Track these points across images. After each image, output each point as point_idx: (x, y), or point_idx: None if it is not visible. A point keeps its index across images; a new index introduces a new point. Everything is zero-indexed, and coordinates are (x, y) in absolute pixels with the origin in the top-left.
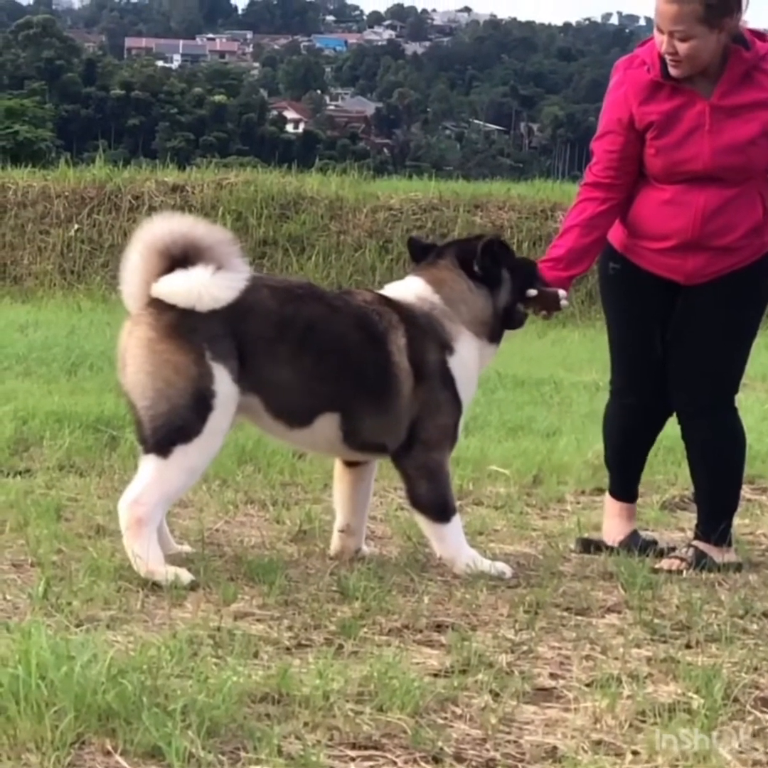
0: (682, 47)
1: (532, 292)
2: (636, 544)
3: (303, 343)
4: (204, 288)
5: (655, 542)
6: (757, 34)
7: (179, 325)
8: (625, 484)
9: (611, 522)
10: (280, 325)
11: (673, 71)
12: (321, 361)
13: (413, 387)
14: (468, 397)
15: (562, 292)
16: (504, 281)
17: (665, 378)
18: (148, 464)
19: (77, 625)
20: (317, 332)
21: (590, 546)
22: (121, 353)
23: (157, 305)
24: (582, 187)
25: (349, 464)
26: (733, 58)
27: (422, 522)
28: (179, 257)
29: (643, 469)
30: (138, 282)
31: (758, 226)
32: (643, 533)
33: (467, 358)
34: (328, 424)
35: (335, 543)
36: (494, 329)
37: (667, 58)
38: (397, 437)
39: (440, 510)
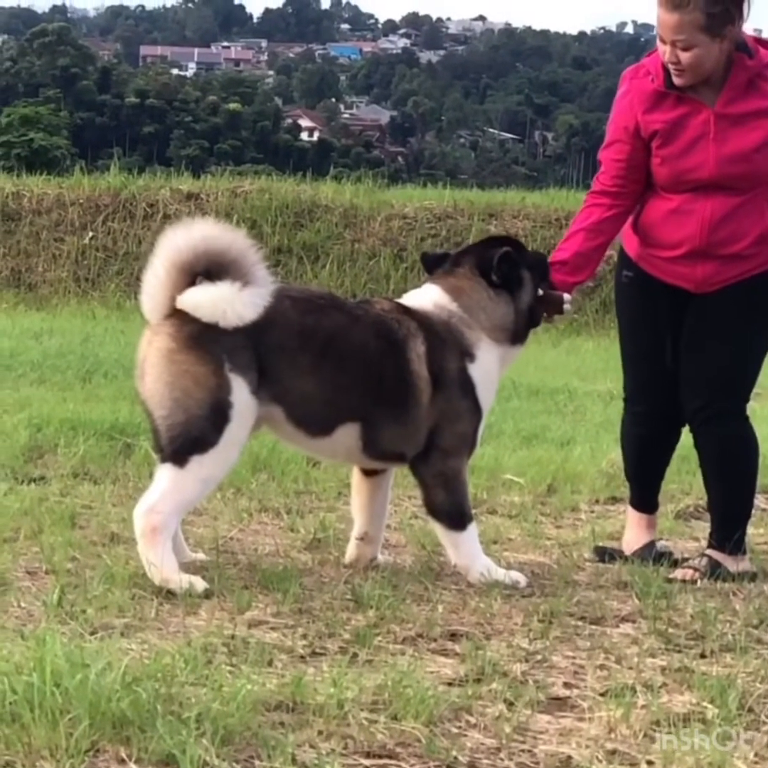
0: (684, 56)
1: (539, 292)
2: (650, 555)
3: (324, 354)
4: (229, 306)
5: (670, 554)
6: (761, 42)
7: (200, 336)
8: (642, 495)
9: (630, 532)
10: (302, 336)
11: (676, 80)
12: (342, 371)
13: (432, 395)
14: (488, 403)
15: (566, 296)
16: (525, 283)
17: (677, 387)
18: (164, 473)
19: (92, 633)
20: (338, 342)
21: (605, 555)
22: (140, 362)
23: (179, 316)
24: (589, 194)
25: (367, 473)
26: (737, 66)
27: (438, 529)
28: (203, 271)
29: (661, 480)
30: (160, 295)
31: (767, 233)
32: (660, 544)
33: (488, 365)
34: (348, 434)
35: (352, 550)
36: (518, 331)
37: (671, 67)
38: (417, 445)
39: (456, 518)
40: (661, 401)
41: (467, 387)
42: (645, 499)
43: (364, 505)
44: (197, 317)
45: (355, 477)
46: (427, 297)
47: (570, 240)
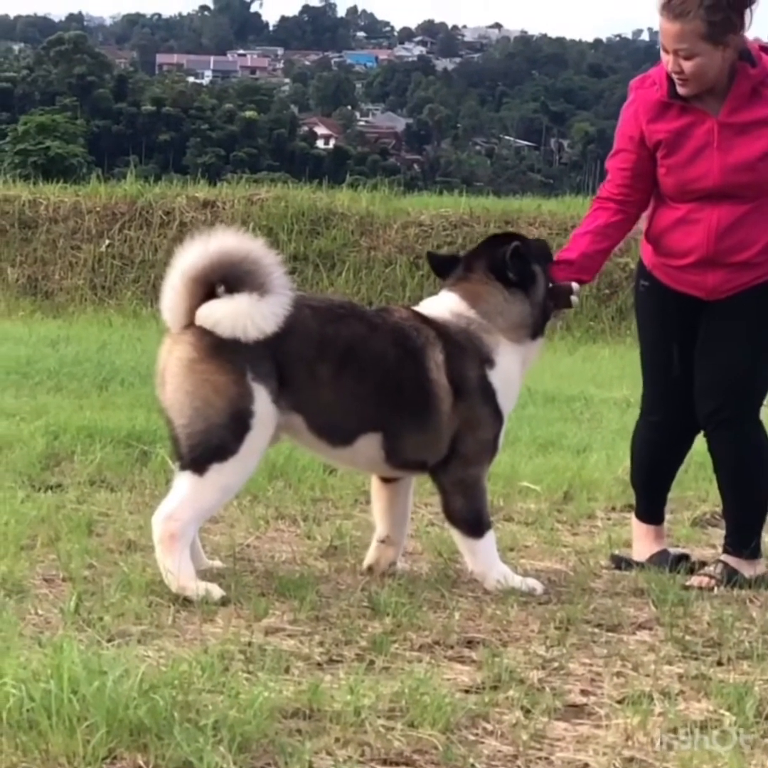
0: (687, 65)
1: (549, 283)
2: (665, 561)
3: (344, 363)
4: (249, 320)
5: (686, 557)
6: (766, 50)
7: (222, 346)
8: (649, 506)
9: (638, 544)
10: (322, 346)
11: (680, 90)
12: (362, 382)
13: (453, 403)
14: (510, 406)
15: (575, 286)
16: (537, 276)
17: (692, 397)
18: (183, 481)
19: (109, 640)
20: (357, 352)
21: (622, 562)
22: (161, 371)
23: (198, 325)
24: (595, 199)
25: (386, 480)
26: (740, 75)
27: (456, 536)
28: (220, 281)
29: (668, 490)
30: (179, 306)
31: None
32: (673, 549)
33: (508, 369)
34: (370, 444)
35: (372, 553)
36: (536, 326)
37: (674, 76)
38: (438, 453)
39: (474, 525)
40: (676, 411)
41: (488, 394)
42: (652, 509)
43: (385, 511)
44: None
45: (374, 484)
46: (445, 305)
47: (577, 241)
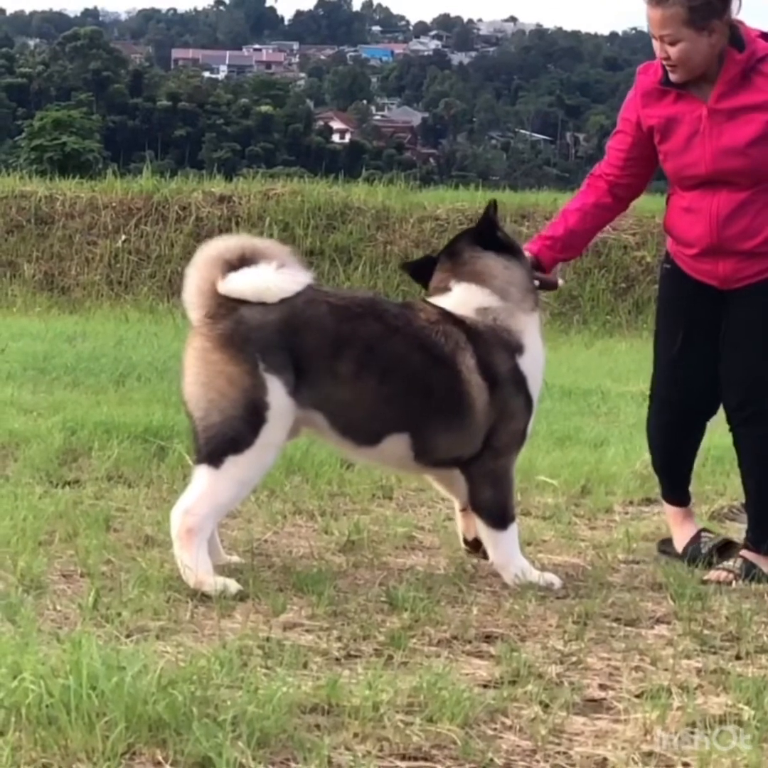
0: (672, 51)
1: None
2: (699, 552)
3: (362, 364)
4: (271, 279)
5: (727, 542)
6: (764, 35)
7: (232, 335)
8: (672, 487)
9: (674, 532)
10: (336, 344)
11: (671, 76)
12: (384, 383)
13: (489, 400)
14: (538, 391)
15: (560, 282)
16: (514, 237)
17: (702, 378)
18: (201, 475)
19: (127, 636)
20: (377, 353)
21: (668, 551)
22: (183, 364)
23: (213, 316)
24: (588, 177)
25: None
26: (728, 61)
27: (479, 526)
28: (238, 263)
29: (689, 470)
30: (196, 294)
31: None
32: (709, 536)
33: (535, 349)
34: (397, 444)
35: (460, 525)
36: (535, 291)
37: (664, 63)
38: (474, 449)
39: (499, 516)
40: (679, 391)
41: (520, 383)
42: (675, 490)
43: (448, 487)
44: (231, 314)
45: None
46: (464, 299)
47: (564, 218)
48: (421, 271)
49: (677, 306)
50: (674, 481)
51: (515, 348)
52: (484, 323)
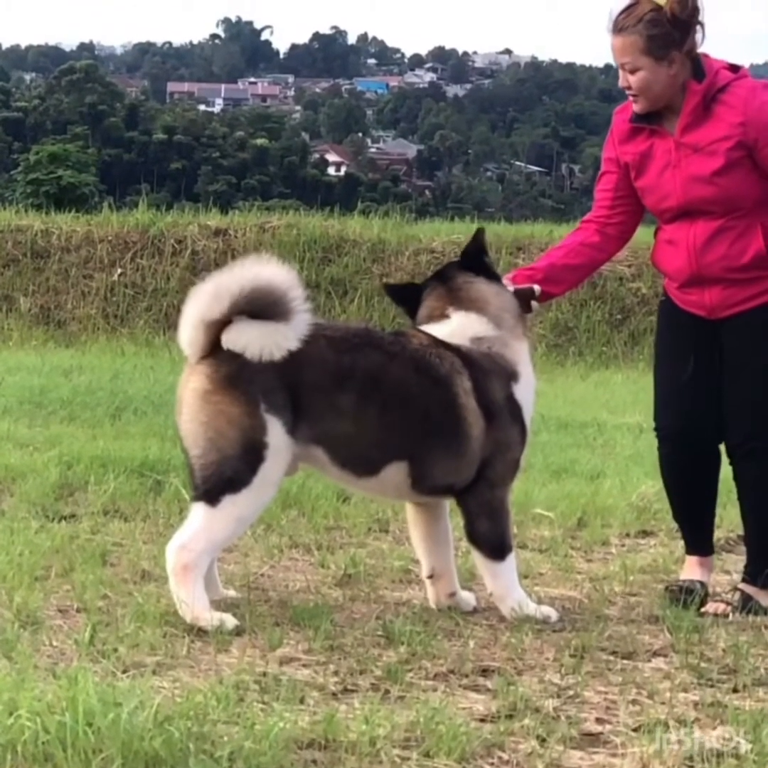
0: (633, 80)
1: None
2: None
3: (363, 394)
4: (274, 341)
5: (691, 590)
6: (731, 67)
7: (236, 377)
8: (692, 536)
9: (684, 572)
10: (339, 377)
11: (635, 107)
12: (384, 412)
13: (485, 426)
14: (531, 416)
15: (536, 288)
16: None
17: (705, 410)
18: (197, 511)
19: (123, 672)
20: (377, 382)
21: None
22: (179, 400)
23: (216, 357)
24: (579, 223)
25: (419, 503)
26: (688, 92)
27: (477, 558)
28: (244, 304)
29: (711, 514)
30: (197, 336)
31: (764, 256)
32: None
33: (527, 374)
34: (396, 472)
35: (430, 593)
36: (525, 318)
37: (627, 92)
38: (467, 477)
39: (497, 548)
40: (686, 421)
41: (516, 412)
42: (696, 539)
43: (424, 537)
44: (235, 357)
45: (410, 511)
46: (461, 326)
47: (552, 252)
48: (405, 297)
49: (680, 336)
50: (695, 525)
51: (510, 376)
52: (479, 351)
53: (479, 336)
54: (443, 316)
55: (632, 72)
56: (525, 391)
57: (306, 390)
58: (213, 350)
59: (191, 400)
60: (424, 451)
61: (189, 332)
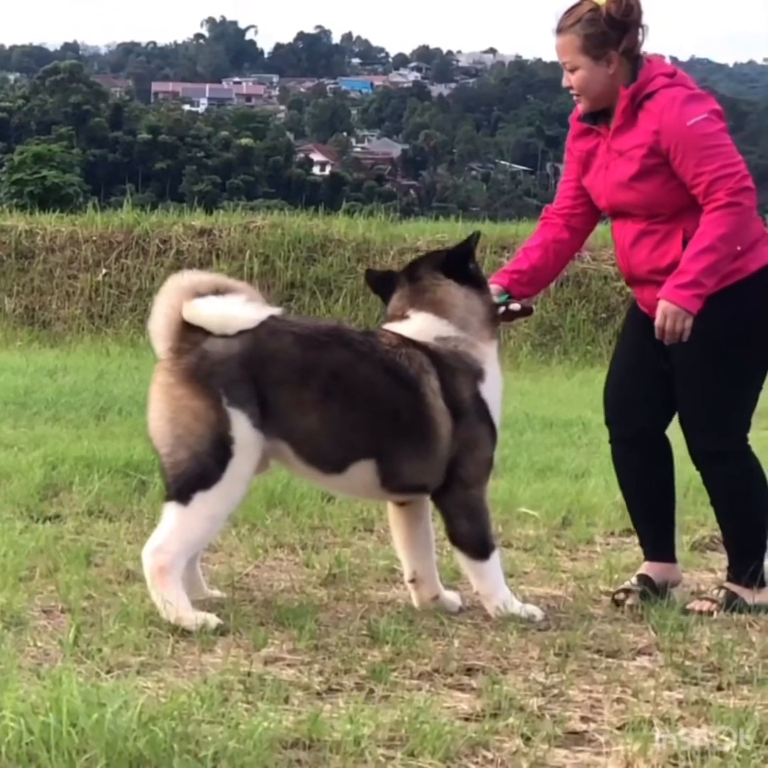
0: (573, 79)
1: (504, 308)
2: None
3: (328, 391)
4: (237, 308)
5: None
6: (672, 74)
7: (196, 369)
8: (650, 540)
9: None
10: (303, 372)
11: (579, 106)
12: (350, 410)
13: (452, 425)
14: (499, 416)
15: (535, 308)
16: (480, 270)
17: (656, 409)
18: (170, 512)
19: (108, 672)
20: (343, 380)
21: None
22: (148, 399)
23: (178, 350)
24: (542, 217)
25: (401, 503)
26: (620, 95)
27: (461, 559)
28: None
29: (664, 517)
30: (162, 326)
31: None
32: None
33: (494, 374)
34: (363, 471)
35: (413, 597)
36: (495, 322)
37: (570, 92)
38: (438, 477)
39: (479, 548)
40: (636, 418)
41: (483, 411)
42: (652, 544)
43: (406, 541)
44: (194, 348)
45: (391, 511)
46: (421, 327)
47: (526, 254)
48: (383, 285)
49: (633, 330)
50: (651, 524)
51: (476, 375)
52: (445, 349)
53: (443, 336)
54: (404, 316)
55: (572, 71)
56: (492, 389)
57: (270, 384)
58: (176, 345)
59: (157, 395)
60: (391, 450)
61: (158, 323)
